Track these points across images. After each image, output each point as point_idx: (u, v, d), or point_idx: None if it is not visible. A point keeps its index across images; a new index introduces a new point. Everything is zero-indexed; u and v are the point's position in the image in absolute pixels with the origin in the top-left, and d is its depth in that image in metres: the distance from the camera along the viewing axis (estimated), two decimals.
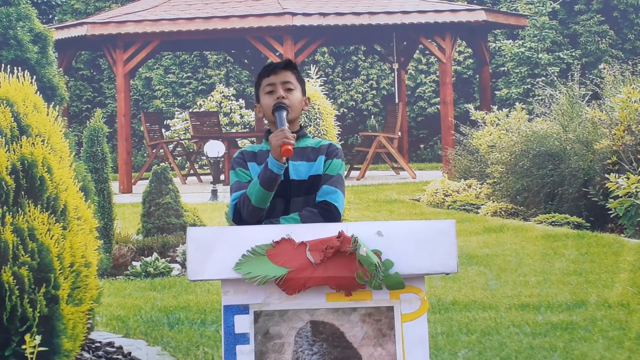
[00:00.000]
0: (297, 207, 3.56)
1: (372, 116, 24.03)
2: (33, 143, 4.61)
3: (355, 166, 19.07)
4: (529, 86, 21.37)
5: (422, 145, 23.98)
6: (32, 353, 4.16)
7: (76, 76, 24.83)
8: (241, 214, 3.52)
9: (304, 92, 3.69)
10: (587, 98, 13.05)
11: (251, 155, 3.62)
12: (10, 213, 4.42)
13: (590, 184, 10.79)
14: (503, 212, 11.88)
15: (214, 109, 22.27)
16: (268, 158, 3.45)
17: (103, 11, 22.89)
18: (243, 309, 3.10)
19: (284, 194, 3.55)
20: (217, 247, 3.10)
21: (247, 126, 23.21)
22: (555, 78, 15.97)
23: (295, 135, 3.50)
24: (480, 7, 18.82)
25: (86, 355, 5.50)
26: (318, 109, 9.57)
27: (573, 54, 22.41)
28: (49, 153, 4.68)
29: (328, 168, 3.60)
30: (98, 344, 5.78)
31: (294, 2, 17.64)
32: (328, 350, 3.08)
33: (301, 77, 3.70)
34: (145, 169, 18.90)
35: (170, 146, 19.55)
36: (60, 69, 9.51)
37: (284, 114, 3.54)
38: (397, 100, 19.58)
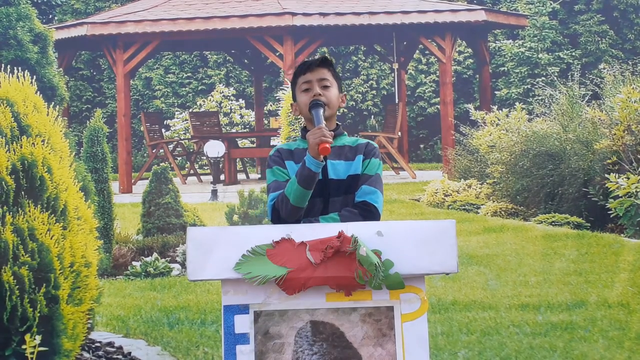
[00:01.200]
0: (336, 206, 3.51)
1: (372, 116, 24.03)
2: (33, 143, 4.61)
3: None
4: (529, 86, 21.37)
5: (422, 145, 23.98)
6: (32, 353, 4.17)
7: (76, 76, 24.83)
8: (279, 214, 3.46)
9: (340, 89, 3.64)
10: (587, 98, 13.05)
11: (288, 153, 3.56)
12: (11, 213, 4.42)
13: (590, 184, 10.80)
14: (503, 212, 11.88)
15: (214, 109, 22.27)
16: (305, 156, 3.39)
17: (103, 11, 22.90)
18: (243, 309, 3.10)
19: (323, 193, 3.51)
20: (217, 247, 3.10)
21: (247, 126, 23.21)
22: (555, 78, 15.97)
23: (332, 133, 3.43)
24: (480, 7, 18.82)
25: (86, 355, 5.50)
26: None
27: (573, 54, 22.41)
28: (49, 153, 4.68)
29: (367, 167, 3.55)
30: (98, 344, 5.78)
31: (294, 2, 17.64)
32: (328, 350, 3.08)
33: (337, 73, 3.65)
34: (145, 169, 18.90)
35: (170, 146, 19.55)
36: (61, 69, 9.51)
37: (321, 111, 3.48)
38: (397, 100, 19.58)
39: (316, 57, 4.52)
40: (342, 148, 3.58)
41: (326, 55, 3.78)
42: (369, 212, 3.48)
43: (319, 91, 3.54)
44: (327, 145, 3.34)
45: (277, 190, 3.49)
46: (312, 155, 3.37)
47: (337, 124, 3.65)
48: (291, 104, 3.69)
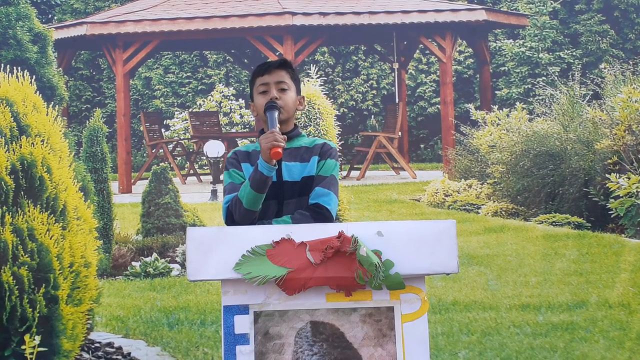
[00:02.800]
0: (291, 208, 3.50)
1: (372, 116, 24.03)
2: (32, 143, 4.60)
3: (355, 166, 19.07)
4: (529, 86, 21.37)
5: (422, 145, 23.98)
6: (31, 353, 4.16)
7: (76, 76, 24.83)
8: (233, 217, 3.46)
9: (299, 91, 3.63)
10: (587, 98, 13.04)
11: (245, 156, 3.57)
12: (10, 213, 4.41)
13: (591, 184, 10.79)
14: (503, 212, 11.87)
15: (214, 109, 22.27)
16: (258, 160, 3.40)
17: (102, 11, 22.89)
18: (243, 309, 3.09)
19: (277, 195, 3.50)
20: (217, 247, 3.09)
21: (247, 126, 23.21)
22: (555, 78, 15.97)
23: (285, 137, 3.44)
24: (480, 6, 18.81)
25: (86, 355, 5.50)
26: (318, 109, 9.55)
27: (574, 53, 22.41)
28: (49, 153, 4.67)
29: (321, 169, 3.53)
30: (97, 345, 5.77)
31: (294, 1, 17.63)
32: (328, 351, 3.08)
33: (296, 76, 3.64)
34: (145, 169, 18.90)
35: (170, 146, 19.54)
36: (60, 68, 9.50)
37: (276, 114, 3.48)
38: (397, 100, 19.58)
39: (316, 57, 4.50)
40: (298, 149, 3.57)
41: (285, 58, 3.75)
42: (321, 215, 3.47)
43: (276, 94, 3.53)
44: (279, 150, 3.34)
45: (232, 192, 3.49)
46: (264, 159, 3.38)
47: (295, 125, 3.64)
48: (249, 104, 3.69)
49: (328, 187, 3.51)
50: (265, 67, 3.58)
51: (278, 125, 3.46)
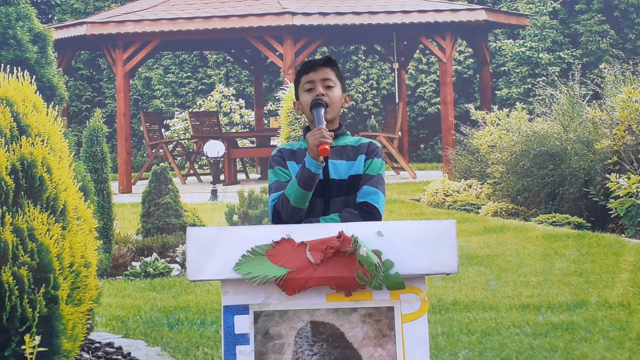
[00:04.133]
0: (337, 207, 3.48)
1: (372, 116, 24.03)
2: (32, 143, 4.60)
3: None
4: (529, 86, 21.37)
5: (422, 145, 23.98)
6: (31, 353, 4.16)
7: (76, 76, 24.83)
8: (280, 215, 3.44)
9: (344, 89, 3.61)
10: (587, 98, 13.04)
11: (290, 154, 3.54)
12: (10, 213, 4.41)
13: (591, 184, 10.79)
14: (503, 212, 11.87)
15: (214, 109, 22.27)
16: (305, 157, 3.37)
17: (102, 11, 22.90)
18: (243, 309, 3.09)
19: (324, 193, 3.48)
20: (217, 247, 3.09)
21: (247, 126, 23.21)
22: (555, 78, 15.97)
23: (333, 133, 3.41)
24: (480, 6, 18.81)
25: (85, 355, 5.50)
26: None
27: (574, 53, 22.41)
28: (49, 153, 4.67)
29: (369, 168, 3.52)
30: (97, 345, 5.77)
31: (294, 1, 17.63)
32: (328, 351, 3.08)
33: (342, 73, 3.62)
34: (145, 169, 18.90)
35: (170, 146, 19.54)
36: (60, 68, 9.50)
37: (322, 111, 3.46)
38: (397, 100, 19.58)
39: (317, 56, 4.51)
40: (345, 148, 3.55)
41: (330, 55, 3.74)
42: (370, 213, 3.46)
43: (322, 91, 3.51)
44: (327, 147, 3.31)
45: (279, 190, 3.47)
46: (311, 156, 3.35)
47: (339, 123, 3.62)
48: (294, 103, 3.67)
49: (376, 186, 3.50)
50: (311, 65, 3.56)
51: (325, 122, 3.43)
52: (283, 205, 3.43)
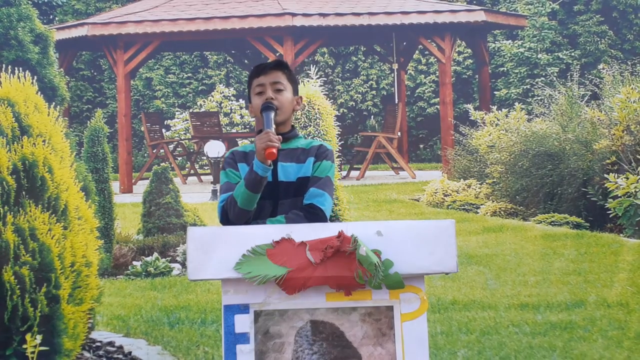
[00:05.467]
0: (285, 209, 3.53)
1: (372, 116, 24.03)
2: (34, 143, 4.62)
3: (355, 166, 19.08)
4: (528, 86, 21.37)
5: (421, 145, 23.98)
6: (32, 352, 4.18)
7: (77, 76, 24.83)
8: (228, 216, 3.49)
9: (295, 92, 3.65)
10: (586, 98, 13.05)
11: (242, 156, 3.59)
12: (12, 213, 4.43)
13: (589, 184, 10.81)
14: (502, 212, 11.89)
15: (214, 109, 22.27)
16: (253, 160, 3.43)
17: (103, 12, 22.90)
18: (243, 309, 3.10)
19: (272, 195, 3.53)
20: (218, 246, 3.10)
21: (247, 126, 23.21)
22: (554, 78, 15.98)
23: (280, 137, 3.46)
24: (479, 7, 18.82)
25: (87, 354, 5.52)
26: (318, 109, 9.57)
27: (572, 54, 22.41)
28: (50, 153, 4.69)
29: (317, 170, 3.56)
30: (99, 344, 5.79)
31: (294, 2, 17.64)
32: (328, 350, 3.09)
33: (293, 76, 3.65)
34: (146, 169, 18.91)
35: (171, 146, 19.55)
36: (61, 69, 9.52)
37: (272, 114, 3.49)
38: (396, 101, 19.59)
39: (316, 57, 4.54)
40: (295, 150, 3.59)
41: (281, 59, 3.77)
42: (315, 215, 3.49)
43: (272, 95, 3.55)
44: (274, 150, 3.36)
45: (228, 192, 3.52)
46: (259, 159, 3.40)
47: (292, 126, 3.66)
48: (249, 106, 3.71)
49: (322, 188, 3.53)
50: (261, 68, 3.61)
51: (274, 126, 3.47)
52: (231, 207, 3.48)
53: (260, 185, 3.44)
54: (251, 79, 3.63)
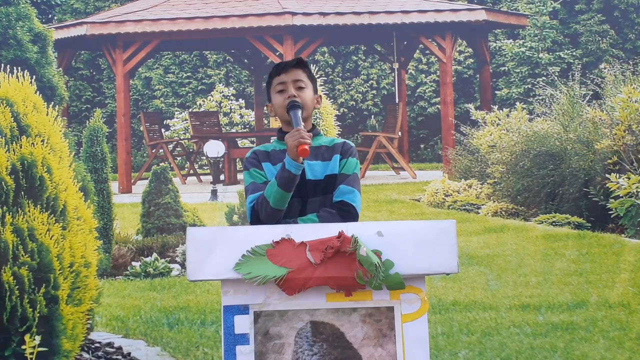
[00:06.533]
0: (314, 207, 3.51)
1: (372, 116, 24.03)
2: (33, 143, 4.60)
3: None
4: (529, 86, 21.37)
5: (422, 145, 23.98)
6: (31, 353, 4.16)
7: (76, 76, 24.83)
8: (259, 216, 3.46)
9: (315, 90, 3.65)
10: (587, 98, 13.04)
11: (265, 155, 3.57)
12: (10, 213, 4.41)
13: (591, 184, 10.79)
14: (503, 212, 11.87)
15: (214, 109, 22.26)
16: (285, 159, 3.40)
17: (102, 11, 22.89)
18: (243, 309, 3.09)
19: (301, 194, 3.50)
20: (217, 247, 3.09)
21: (247, 126, 23.21)
22: (555, 78, 15.97)
23: (311, 134, 3.46)
24: (480, 6, 18.81)
25: (86, 355, 5.50)
26: (318, 108, 9.56)
27: (574, 53, 22.41)
28: (49, 153, 4.67)
29: (344, 167, 3.55)
30: (97, 345, 5.77)
31: (294, 1, 17.63)
32: (328, 351, 3.08)
33: (312, 75, 3.66)
34: (145, 169, 18.90)
35: (170, 146, 19.54)
36: (60, 68, 9.50)
37: (299, 112, 3.49)
38: (397, 100, 19.58)
39: (317, 57, 4.52)
40: (319, 148, 3.58)
41: (301, 57, 3.76)
42: (347, 212, 3.49)
43: (294, 92, 3.55)
44: (306, 147, 3.35)
45: (255, 192, 3.50)
46: (291, 157, 3.38)
47: (312, 124, 3.65)
48: (267, 105, 3.69)
49: (352, 185, 3.53)
50: (282, 67, 3.60)
51: (303, 124, 3.47)
52: (262, 207, 3.45)
53: (293, 184, 3.42)
54: (271, 77, 3.61)
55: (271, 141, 3.68)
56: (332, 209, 3.49)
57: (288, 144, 3.38)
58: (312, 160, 3.54)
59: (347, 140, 3.63)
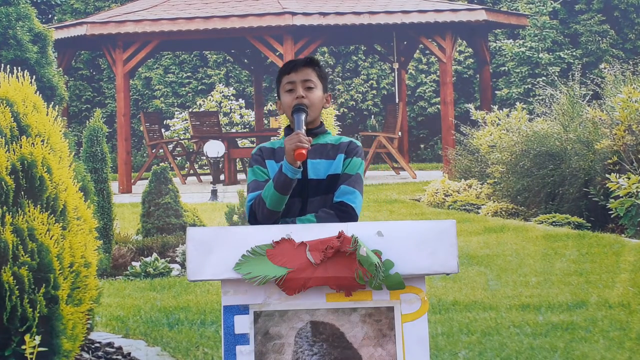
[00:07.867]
0: (315, 207, 3.47)
1: (372, 116, 24.03)
2: (33, 143, 4.60)
3: None
4: (529, 86, 21.36)
5: (422, 145, 23.98)
6: (31, 353, 4.16)
7: (76, 76, 24.83)
8: (256, 216, 3.44)
9: (325, 89, 3.60)
10: (587, 98, 13.04)
11: (270, 152, 3.54)
12: (10, 213, 4.41)
13: (590, 184, 10.79)
14: (503, 212, 11.87)
15: (214, 109, 22.26)
16: (282, 162, 3.38)
17: (102, 11, 22.89)
18: (243, 309, 3.09)
19: (302, 193, 3.47)
20: (217, 247, 3.09)
21: (247, 126, 23.21)
22: (555, 78, 15.97)
23: (311, 139, 3.40)
24: (480, 6, 18.81)
25: (86, 355, 5.50)
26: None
27: (574, 53, 22.40)
28: (49, 153, 4.67)
29: (347, 167, 3.50)
30: (97, 345, 5.77)
31: (294, 1, 17.63)
32: (328, 351, 3.08)
33: (324, 73, 3.61)
34: (145, 169, 18.90)
35: (170, 146, 19.54)
36: (60, 68, 9.50)
37: (303, 116, 3.45)
38: (397, 100, 19.58)
39: (317, 57, 4.51)
40: (324, 146, 3.54)
41: (312, 56, 3.73)
42: (346, 213, 3.45)
43: (302, 93, 3.51)
44: (303, 152, 3.31)
45: (256, 190, 3.47)
46: (288, 161, 3.35)
47: (320, 122, 3.62)
48: (276, 102, 3.67)
49: (353, 186, 3.48)
50: (292, 65, 3.56)
51: (304, 128, 3.43)
52: (259, 207, 3.43)
53: (290, 187, 3.38)
54: (281, 75, 3.57)
55: (279, 137, 3.64)
56: (331, 210, 3.46)
57: (285, 147, 3.36)
58: (315, 158, 3.50)
59: (353, 140, 3.58)
